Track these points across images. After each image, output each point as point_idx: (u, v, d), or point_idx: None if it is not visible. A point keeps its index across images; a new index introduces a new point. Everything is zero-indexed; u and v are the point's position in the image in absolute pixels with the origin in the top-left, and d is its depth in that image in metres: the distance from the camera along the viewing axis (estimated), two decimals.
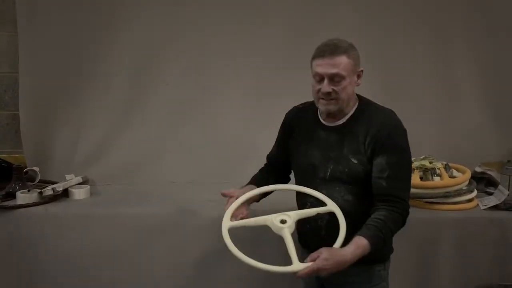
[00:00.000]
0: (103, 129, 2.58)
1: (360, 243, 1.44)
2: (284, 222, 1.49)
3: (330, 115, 1.60)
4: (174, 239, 2.16)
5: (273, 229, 1.50)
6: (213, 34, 2.52)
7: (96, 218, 2.18)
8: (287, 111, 1.79)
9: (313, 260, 1.39)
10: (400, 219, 1.52)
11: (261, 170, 1.83)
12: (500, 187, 2.19)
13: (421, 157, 2.28)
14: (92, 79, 2.54)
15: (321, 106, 1.58)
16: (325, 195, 1.58)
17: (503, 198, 2.11)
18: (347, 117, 1.60)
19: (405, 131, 1.59)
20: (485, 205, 2.14)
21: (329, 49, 1.52)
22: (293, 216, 1.53)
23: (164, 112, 2.58)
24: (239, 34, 2.52)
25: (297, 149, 1.68)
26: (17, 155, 2.61)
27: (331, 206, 1.55)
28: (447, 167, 2.24)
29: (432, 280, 2.12)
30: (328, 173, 1.59)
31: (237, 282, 2.10)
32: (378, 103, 2.47)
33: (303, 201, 1.66)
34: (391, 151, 1.53)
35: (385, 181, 1.51)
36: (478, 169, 2.41)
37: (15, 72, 2.57)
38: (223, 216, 1.57)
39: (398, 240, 2.03)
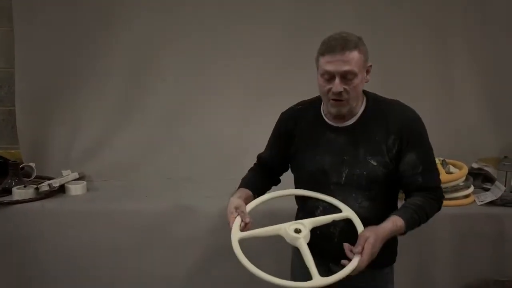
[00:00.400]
0: (100, 125, 2.56)
1: (395, 221, 1.39)
2: (298, 232, 1.38)
3: (339, 116, 1.49)
4: (172, 234, 2.16)
5: (287, 239, 1.39)
6: (212, 33, 2.52)
7: (93, 214, 2.17)
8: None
9: (362, 246, 1.31)
10: (437, 205, 1.49)
11: (252, 170, 1.71)
12: (496, 183, 2.21)
13: None
14: (89, 75, 2.53)
15: (332, 108, 1.45)
16: (341, 201, 1.49)
17: (499, 194, 2.13)
18: (357, 116, 1.49)
19: (420, 118, 1.52)
20: (481, 201, 2.16)
21: (339, 44, 1.38)
22: (308, 224, 1.41)
23: (162, 109, 2.57)
24: (239, 34, 2.52)
25: (302, 154, 1.55)
26: (13, 151, 2.59)
27: (347, 212, 1.45)
28: (444, 163, 2.25)
29: (429, 275, 2.14)
30: (343, 178, 1.48)
31: (236, 277, 2.09)
32: None
33: (313, 205, 1.53)
34: (419, 145, 1.47)
35: (421, 176, 1.46)
36: (475, 165, 2.43)
37: (11, 68, 2.55)
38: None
39: None
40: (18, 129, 2.52)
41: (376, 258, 1.39)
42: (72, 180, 2.39)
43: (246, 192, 1.58)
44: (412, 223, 1.43)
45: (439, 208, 1.51)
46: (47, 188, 2.23)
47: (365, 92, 1.54)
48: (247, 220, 1.43)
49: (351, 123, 1.50)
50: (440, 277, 2.13)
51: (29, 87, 2.51)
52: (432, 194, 1.48)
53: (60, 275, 2.14)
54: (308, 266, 1.32)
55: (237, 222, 1.42)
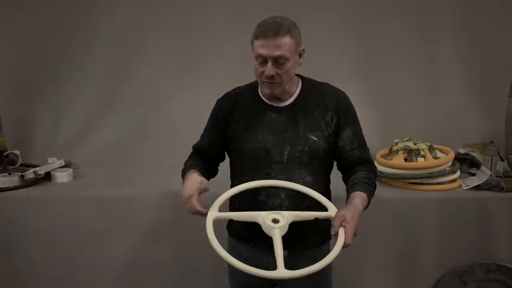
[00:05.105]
0: (85, 111, 2.53)
1: (362, 196, 1.45)
2: (276, 222, 1.39)
3: (273, 97, 1.55)
4: (160, 221, 2.15)
5: (263, 227, 1.40)
6: (198, 14, 2.48)
7: (79, 201, 2.15)
8: None
9: (340, 225, 1.33)
10: (375, 175, 1.58)
11: (192, 158, 1.69)
12: (482, 167, 2.22)
13: (406, 138, 2.31)
14: (74, 61, 2.49)
15: (265, 89, 1.52)
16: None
17: (485, 179, 2.14)
18: (295, 96, 1.56)
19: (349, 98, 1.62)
20: (467, 186, 2.18)
21: (272, 29, 1.43)
22: (288, 216, 1.41)
23: (148, 93, 2.55)
24: (226, 18, 2.47)
25: (243, 135, 1.57)
26: None
27: (332, 211, 1.43)
28: (431, 148, 2.26)
29: (415, 259, 2.16)
30: (285, 156, 1.53)
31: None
32: (362, 84, 2.49)
33: (255, 190, 1.53)
34: (353, 121, 1.58)
35: (358, 150, 1.57)
36: (461, 150, 2.44)
37: None
38: (214, 198, 1.46)
39: (383, 219, 2.08)
40: (2, 116, 2.49)
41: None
42: (58, 168, 2.38)
43: (197, 174, 1.54)
44: (370, 195, 1.51)
45: (376, 177, 1.60)
46: (32, 176, 2.21)
47: (300, 76, 1.61)
48: (206, 185, 1.45)
49: (290, 102, 1.57)
50: (426, 261, 2.15)
51: (12, 73, 2.47)
52: (371, 166, 1.59)
53: (46, 263, 2.13)
54: (276, 256, 1.32)
55: (217, 202, 1.44)
